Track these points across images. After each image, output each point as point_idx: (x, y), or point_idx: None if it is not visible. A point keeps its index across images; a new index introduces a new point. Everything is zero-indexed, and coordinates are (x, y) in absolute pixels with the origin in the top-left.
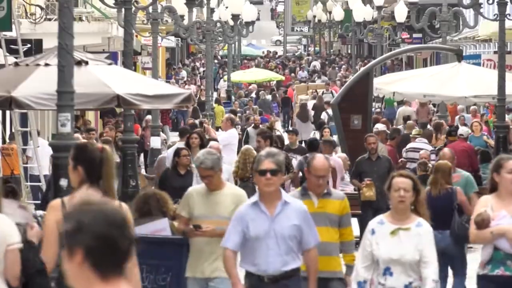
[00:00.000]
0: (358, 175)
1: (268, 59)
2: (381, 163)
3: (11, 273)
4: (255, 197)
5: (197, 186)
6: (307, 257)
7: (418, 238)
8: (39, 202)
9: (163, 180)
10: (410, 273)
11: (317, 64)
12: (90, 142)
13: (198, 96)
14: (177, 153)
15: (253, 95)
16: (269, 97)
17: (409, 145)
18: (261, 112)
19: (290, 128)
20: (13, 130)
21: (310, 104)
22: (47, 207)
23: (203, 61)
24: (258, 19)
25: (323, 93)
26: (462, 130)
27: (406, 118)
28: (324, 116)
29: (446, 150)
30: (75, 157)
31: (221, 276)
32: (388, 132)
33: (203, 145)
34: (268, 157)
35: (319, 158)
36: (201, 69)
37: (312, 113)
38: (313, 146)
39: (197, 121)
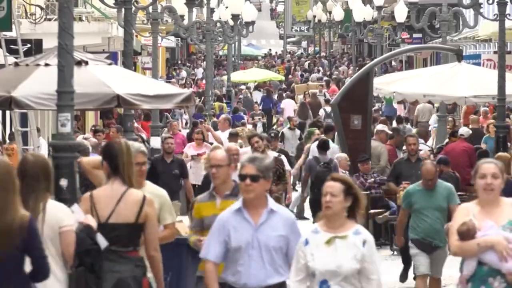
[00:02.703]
0: (396, 178)
1: (272, 62)
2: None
3: (66, 253)
4: (238, 203)
5: None
6: None
7: (357, 247)
8: None
9: None
10: (349, 285)
11: (325, 63)
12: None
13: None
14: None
15: (259, 95)
16: (274, 96)
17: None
18: (237, 109)
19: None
20: (13, 130)
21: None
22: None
23: (202, 64)
24: (259, 10)
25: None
26: (463, 130)
27: (398, 119)
28: (321, 112)
29: (428, 164)
30: (101, 154)
31: None
32: (389, 132)
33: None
34: (250, 162)
35: (216, 149)
36: (196, 70)
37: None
38: (323, 147)
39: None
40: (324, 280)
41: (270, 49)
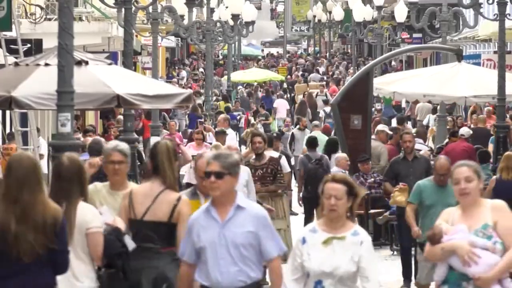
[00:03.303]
0: (394, 178)
1: (272, 62)
2: (419, 164)
3: (94, 254)
4: (208, 202)
5: (98, 185)
6: (269, 268)
7: (355, 249)
8: None
9: None
10: (344, 286)
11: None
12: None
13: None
14: None
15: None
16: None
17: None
18: (228, 108)
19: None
20: (13, 130)
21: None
22: None
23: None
24: (259, 8)
25: (317, 94)
26: (463, 130)
27: (399, 119)
28: (322, 114)
29: (442, 159)
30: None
31: None
32: (389, 132)
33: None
34: (215, 159)
35: (203, 158)
36: (200, 70)
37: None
38: (313, 144)
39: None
40: (318, 280)
41: (263, 50)
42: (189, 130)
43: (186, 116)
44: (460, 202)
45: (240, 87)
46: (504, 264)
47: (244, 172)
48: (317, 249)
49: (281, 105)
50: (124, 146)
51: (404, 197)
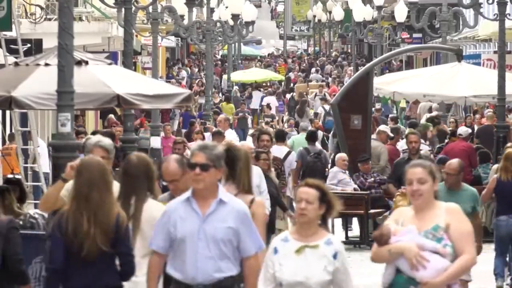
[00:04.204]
0: (397, 179)
1: (271, 62)
2: None
3: None
4: (188, 193)
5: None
6: (246, 266)
7: (329, 259)
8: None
9: None
10: None
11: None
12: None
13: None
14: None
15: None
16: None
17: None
18: (220, 109)
19: None
20: (13, 130)
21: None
22: None
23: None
24: (259, 6)
25: (315, 95)
26: (462, 130)
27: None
28: (321, 110)
29: (452, 160)
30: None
31: None
32: (390, 134)
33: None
34: (200, 150)
35: (168, 162)
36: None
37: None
38: (313, 137)
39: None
40: None
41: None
42: (183, 131)
43: (180, 116)
44: (412, 203)
45: (235, 87)
46: (454, 270)
47: (256, 176)
48: (289, 258)
49: (271, 103)
50: (106, 141)
51: (406, 202)
